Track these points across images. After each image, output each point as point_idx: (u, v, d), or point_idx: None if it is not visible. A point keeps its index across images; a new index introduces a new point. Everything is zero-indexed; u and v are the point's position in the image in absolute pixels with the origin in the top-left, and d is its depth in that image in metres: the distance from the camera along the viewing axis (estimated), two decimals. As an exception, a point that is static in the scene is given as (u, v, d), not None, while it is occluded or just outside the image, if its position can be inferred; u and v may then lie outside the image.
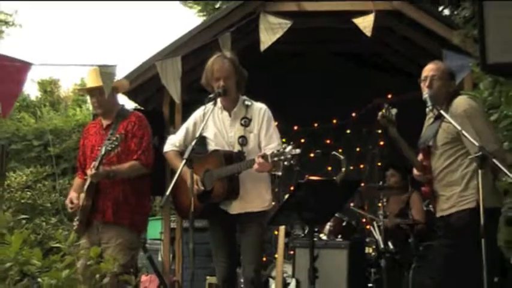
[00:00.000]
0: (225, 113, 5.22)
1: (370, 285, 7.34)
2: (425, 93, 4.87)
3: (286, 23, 7.07)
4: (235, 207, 5.10)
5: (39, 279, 3.52)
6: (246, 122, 5.14)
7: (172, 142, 5.34)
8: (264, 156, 4.75)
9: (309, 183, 5.38)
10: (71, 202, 5.49)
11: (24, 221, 8.41)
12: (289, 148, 4.70)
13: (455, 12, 7.86)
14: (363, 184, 8.33)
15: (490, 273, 4.29)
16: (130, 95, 7.54)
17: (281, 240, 6.42)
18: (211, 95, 5.03)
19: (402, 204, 7.83)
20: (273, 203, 5.32)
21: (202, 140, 5.15)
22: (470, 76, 6.72)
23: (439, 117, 4.88)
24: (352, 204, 9.05)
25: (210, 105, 5.03)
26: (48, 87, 23.74)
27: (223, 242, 5.23)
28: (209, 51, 6.59)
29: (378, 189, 7.91)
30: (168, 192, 4.77)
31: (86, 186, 5.37)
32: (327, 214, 6.09)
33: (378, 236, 7.57)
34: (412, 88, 5.19)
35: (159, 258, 8.09)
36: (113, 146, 5.17)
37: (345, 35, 8.28)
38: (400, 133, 4.96)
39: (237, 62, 5.20)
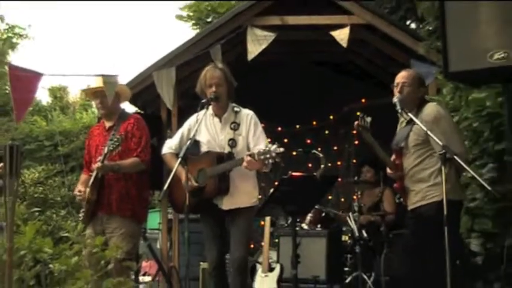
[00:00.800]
0: (216, 119, 5.24)
1: (346, 269, 7.35)
2: (395, 98, 4.92)
3: (270, 35, 7.09)
4: (226, 203, 5.13)
5: (50, 265, 3.53)
6: (235, 126, 5.18)
7: (169, 146, 5.35)
8: (252, 155, 4.81)
9: (291, 179, 5.38)
10: (79, 191, 5.50)
11: (36, 213, 8.41)
12: (274, 147, 4.76)
13: (421, 26, 7.89)
14: (340, 179, 8.36)
15: (453, 257, 4.33)
16: (131, 100, 7.52)
17: (267, 229, 6.43)
18: (204, 100, 5.05)
19: (375, 198, 7.84)
20: (259, 197, 5.34)
21: (196, 144, 5.17)
22: (435, 82, 6.76)
23: (410, 122, 4.92)
24: (329, 198, 9.10)
25: (203, 111, 5.05)
26: (57, 93, 23.64)
27: (214, 233, 5.24)
28: (202, 61, 6.62)
29: (353, 183, 7.94)
30: (165, 187, 4.79)
31: (91, 181, 5.38)
32: (307, 206, 6.10)
33: (353, 225, 7.60)
34: (383, 93, 5.22)
35: (158, 246, 8.08)
36: (115, 145, 5.21)
37: (324, 46, 8.29)
38: (373, 133, 5.00)
39: (228, 72, 5.23)
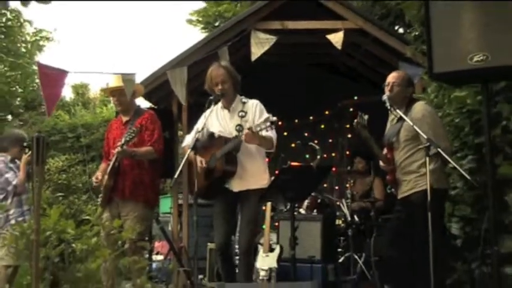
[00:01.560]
0: (226, 111, 5.29)
1: (339, 250, 7.37)
2: (385, 96, 4.95)
3: (272, 39, 7.08)
4: (236, 185, 5.15)
5: (73, 245, 3.54)
6: (243, 114, 5.21)
7: (187, 140, 5.39)
8: (250, 129, 4.83)
9: (290, 168, 5.40)
10: (96, 179, 5.52)
11: (60, 198, 8.42)
12: (267, 116, 4.88)
13: (408, 31, 7.86)
14: (334, 169, 8.35)
15: (438, 239, 4.35)
16: (146, 96, 7.54)
17: (268, 214, 6.42)
18: (211, 97, 5.10)
19: (366, 186, 7.84)
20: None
21: (212, 136, 5.23)
22: (420, 82, 6.75)
23: (401, 119, 4.95)
24: (325, 186, 9.10)
25: (212, 106, 5.10)
26: (80, 90, 23.68)
27: (224, 214, 5.23)
28: (210, 62, 6.60)
29: (347, 173, 7.95)
30: (176, 176, 4.84)
31: (109, 169, 5.40)
32: (305, 193, 6.13)
33: (345, 210, 7.61)
34: (373, 92, 5.23)
35: (169, 228, 8.09)
36: (132, 136, 5.27)
37: (320, 48, 8.29)
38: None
39: (231, 68, 5.28)
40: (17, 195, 5.92)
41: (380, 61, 7.90)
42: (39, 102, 17.32)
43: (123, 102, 5.68)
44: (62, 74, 6.03)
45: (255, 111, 5.20)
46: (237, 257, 5.61)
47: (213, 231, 6.98)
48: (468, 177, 4.41)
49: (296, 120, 9.92)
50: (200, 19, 17.89)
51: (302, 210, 7.30)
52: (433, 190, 4.45)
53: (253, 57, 7.07)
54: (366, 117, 5.00)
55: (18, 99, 18.70)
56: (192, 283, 6.49)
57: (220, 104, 5.29)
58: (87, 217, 3.91)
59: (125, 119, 5.69)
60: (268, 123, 4.75)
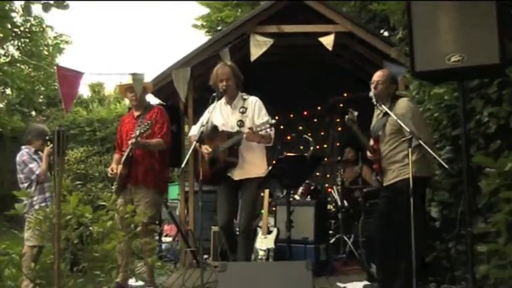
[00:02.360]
0: (228, 106, 5.33)
1: (330, 232, 7.41)
2: (371, 93, 4.97)
3: (269, 41, 7.08)
4: (237, 174, 5.20)
5: (90, 228, 3.55)
6: (243, 110, 5.24)
7: (193, 130, 5.45)
8: (250, 128, 4.89)
9: (286, 158, 5.42)
10: (112, 170, 5.55)
11: (79, 186, 8.43)
12: (267, 118, 4.96)
13: (392, 34, 7.86)
14: (326, 159, 8.38)
15: (421, 223, 4.38)
16: (155, 93, 7.55)
17: (266, 199, 6.43)
18: (214, 94, 5.14)
19: (355, 174, 7.86)
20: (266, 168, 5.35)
21: (215, 128, 5.29)
22: (403, 80, 6.76)
23: (386, 114, 4.96)
24: (317, 174, 9.10)
25: (216, 101, 5.15)
26: (96, 88, 23.64)
27: (226, 199, 5.27)
28: (213, 62, 6.60)
29: (337, 162, 7.98)
30: (183, 165, 4.89)
31: (123, 159, 5.44)
32: (299, 181, 6.16)
33: (336, 196, 7.63)
34: (361, 89, 5.24)
35: (177, 213, 8.12)
36: (146, 129, 5.35)
37: (313, 49, 8.28)
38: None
39: (235, 67, 5.33)
40: (40, 184, 5.94)
41: (367, 61, 7.90)
42: (60, 100, 17.31)
43: (137, 98, 5.73)
44: (77, 75, 6.04)
45: (254, 107, 5.22)
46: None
47: (216, 216, 7.02)
48: (446, 165, 4.42)
49: (291, 115, 9.93)
50: (204, 24, 17.91)
51: (297, 196, 7.32)
52: (416, 178, 4.47)
53: (253, 58, 7.08)
54: (356, 113, 5.03)
55: (41, 97, 18.72)
56: (198, 262, 6.53)
57: (223, 100, 5.33)
58: (103, 203, 3.92)
59: (136, 113, 5.72)
60: (268, 125, 4.82)
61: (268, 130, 4.88)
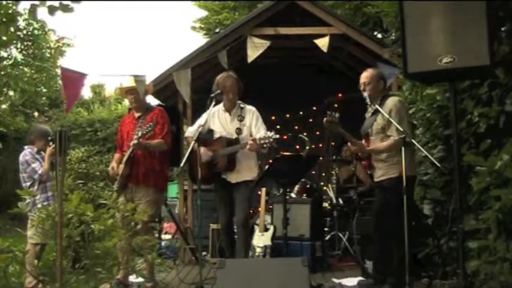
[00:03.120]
0: (227, 113, 5.50)
1: (326, 229, 7.41)
2: (365, 94, 4.97)
3: (266, 43, 7.07)
4: (233, 177, 5.37)
5: (92, 226, 3.56)
6: (241, 119, 5.43)
7: (189, 131, 5.58)
8: (254, 140, 5.09)
9: (283, 157, 5.45)
10: (112, 169, 5.55)
11: (80, 185, 8.43)
12: (271, 134, 5.04)
13: (386, 36, 7.88)
14: (321, 158, 8.38)
15: (409, 219, 4.39)
16: (155, 94, 7.54)
17: (263, 198, 6.45)
18: (212, 95, 5.24)
19: (350, 172, 7.85)
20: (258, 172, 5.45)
21: (210, 132, 5.45)
22: (396, 81, 6.78)
23: (375, 113, 4.97)
24: (313, 173, 9.11)
25: (216, 107, 5.36)
26: (97, 89, 23.64)
27: (224, 200, 5.45)
28: (211, 64, 6.63)
29: (332, 161, 7.97)
30: (182, 164, 4.95)
31: (125, 159, 5.44)
32: (296, 179, 6.18)
33: (331, 194, 7.64)
34: (355, 89, 5.24)
35: (176, 211, 8.11)
36: (148, 130, 5.35)
37: (308, 51, 8.29)
38: (345, 119, 5.04)
39: (237, 78, 5.46)
40: (43, 183, 5.94)
41: (361, 62, 7.90)
42: (62, 101, 17.35)
43: (137, 100, 5.71)
44: (81, 76, 6.02)
45: (252, 117, 5.41)
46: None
47: (214, 214, 7.06)
48: (438, 164, 4.45)
49: (287, 115, 9.92)
50: (202, 26, 17.94)
51: (293, 195, 7.33)
52: (401, 178, 4.51)
53: (249, 60, 7.07)
54: (337, 115, 5.00)
55: (43, 98, 18.67)
56: (197, 259, 6.53)
57: (221, 107, 5.49)
58: (104, 201, 3.93)
59: (137, 114, 5.71)
60: (271, 140, 4.99)
61: (271, 144, 5.04)
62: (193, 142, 5.04)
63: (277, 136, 5.05)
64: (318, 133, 9.67)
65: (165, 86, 7.43)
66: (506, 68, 4.09)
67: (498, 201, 3.80)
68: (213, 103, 5.21)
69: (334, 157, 7.94)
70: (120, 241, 3.77)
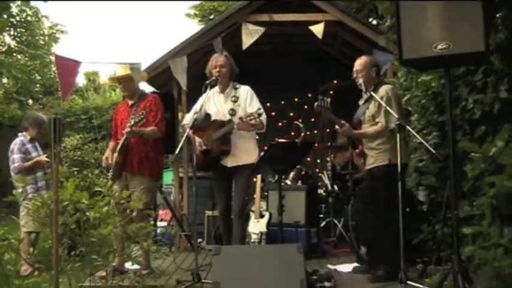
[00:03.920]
0: (221, 95, 5.39)
1: (321, 215, 7.44)
2: (360, 82, 4.98)
3: (261, 29, 7.06)
4: (230, 161, 5.28)
5: (87, 213, 3.55)
6: (235, 99, 5.31)
7: (187, 118, 5.49)
8: (240, 118, 4.95)
9: (278, 144, 5.43)
10: (106, 159, 5.54)
11: (75, 172, 8.41)
12: (255, 109, 5.00)
13: (381, 23, 7.84)
14: (316, 145, 8.38)
15: (397, 207, 4.42)
16: (149, 81, 7.51)
17: (258, 184, 6.45)
18: (207, 81, 5.17)
19: (346, 159, 7.86)
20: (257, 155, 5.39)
21: (208, 116, 5.36)
22: (391, 67, 6.77)
23: (367, 101, 4.99)
24: (308, 160, 9.11)
25: (212, 90, 5.26)
26: (91, 76, 23.52)
27: (222, 186, 5.41)
28: (206, 51, 6.59)
29: (327, 148, 7.98)
30: (177, 152, 4.93)
31: (118, 147, 5.40)
32: (291, 166, 6.16)
33: (326, 181, 7.65)
34: (350, 76, 5.23)
35: (172, 198, 8.12)
36: (140, 118, 5.27)
37: (303, 38, 8.27)
38: (339, 106, 5.04)
39: (230, 58, 5.40)
40: (33, 173, 5.93)
41: (356, 49, 7.88)
42: (56, 88, 17.29)
43: (128, 88, 5.67)
44: (75, 64, 6.00)
45: (246, 96, 5.27)
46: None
47: (209, 201, 7.06)
48: (433, 150, 4.46)
49: (282, 102, 9.91)
50: (197, 13, 17.85)
51: (288, 181, 7.33)
52: (391, 165, 4.53)
53: (244, 46, 7.06)
54: (328, 100, 4.98)
55: (38, 85, 18.61)
56: (192, 246, 6.54)
57: (216, 89, 5.38)
58: (99, 189, 3.92)
59: (130, 102, 5.67)
60: (256, 115, 4.86)
61: (257, 119, 4.90)
62: (188, 129, 5.01)
63: (262, 110, 4.96)
64: (312, 120, 9.66)
65: (159, 73, 7.41)
66: (501, 55, 4.09)
67: (492, 188, 3.82)
68: (208, 88, 5.15)
69: (329, 144, 7.94)
70: (116, 228, 3.77)
